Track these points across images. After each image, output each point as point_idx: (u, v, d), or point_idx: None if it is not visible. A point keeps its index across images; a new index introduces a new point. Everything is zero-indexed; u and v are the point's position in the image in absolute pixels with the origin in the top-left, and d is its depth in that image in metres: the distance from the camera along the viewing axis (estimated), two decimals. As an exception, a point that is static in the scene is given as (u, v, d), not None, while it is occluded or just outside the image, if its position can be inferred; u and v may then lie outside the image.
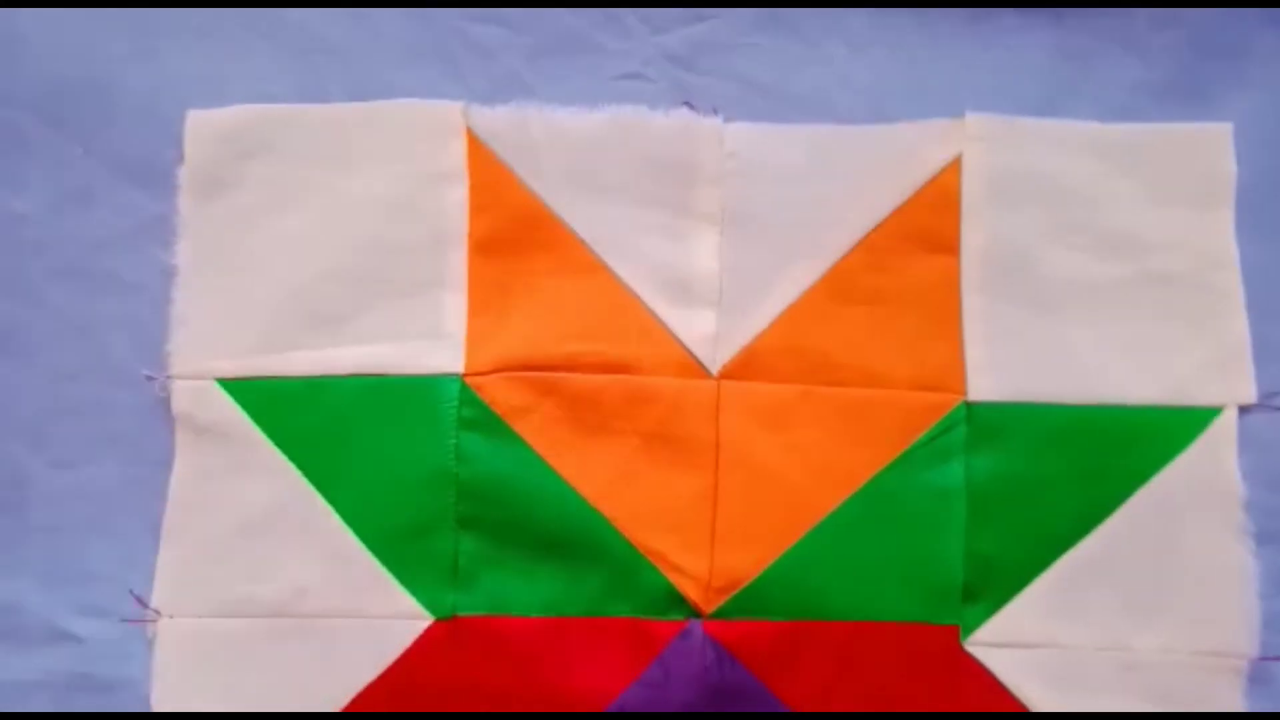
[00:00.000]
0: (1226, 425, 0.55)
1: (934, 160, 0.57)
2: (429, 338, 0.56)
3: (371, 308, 0.56)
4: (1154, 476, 0.55)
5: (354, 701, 0.54)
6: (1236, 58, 0.58)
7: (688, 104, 0.57)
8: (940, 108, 0.57)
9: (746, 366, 0.56)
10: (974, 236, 0.57)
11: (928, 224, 0.57)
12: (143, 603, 0.55)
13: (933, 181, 0.57)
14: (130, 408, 0.56)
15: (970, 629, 0.55)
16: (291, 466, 0.55)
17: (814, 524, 0.55)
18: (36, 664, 0.55)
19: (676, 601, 0.55)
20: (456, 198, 0.57)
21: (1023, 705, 0.55)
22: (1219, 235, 0.57)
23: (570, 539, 0.55)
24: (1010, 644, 0.55)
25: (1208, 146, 0.57)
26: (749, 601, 0.55)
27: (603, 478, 0.55)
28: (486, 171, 0.56)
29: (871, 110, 0.58)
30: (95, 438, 0.56)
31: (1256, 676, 0.54)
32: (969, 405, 0.56)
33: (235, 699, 0.54)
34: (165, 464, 0.56)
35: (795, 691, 0.55)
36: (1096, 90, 0.58)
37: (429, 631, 0.55)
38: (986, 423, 0.56)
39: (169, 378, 0.55)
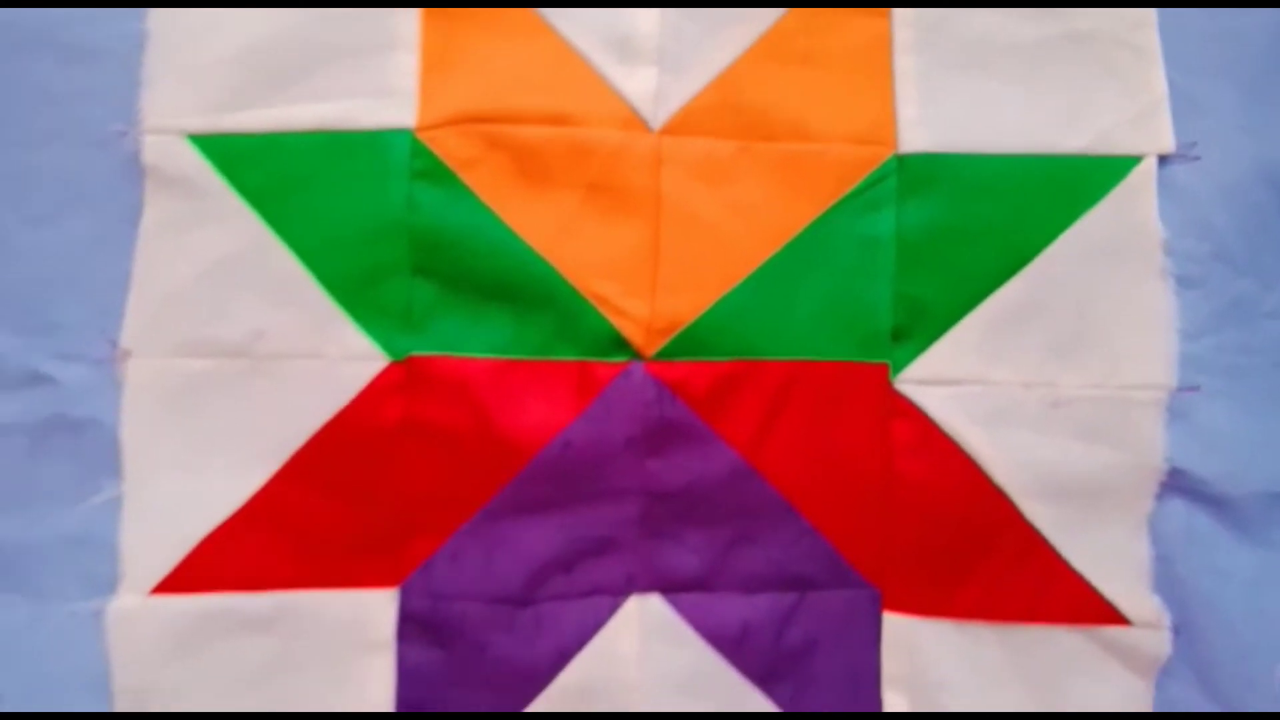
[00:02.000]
0: (1146, 173, 0.58)
1: (866, -77, 0.60)
2: (382, 95, 0.58)
3: (328, 68, 0.58)
4: (1078, 221, 0.58)
5: (313, 439, 0.57)
6: None
7: None
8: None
9: (686, 123, 0.59)
10: (905, -3, 0.60)
11: (860, -15, 0.60)
12: (114, 343, 0.57)
13: (864, -56, 0.60)
14: (100, 170, 0.58)
15: (900, 367, 0.58)
16: (254, 215, 0.58)
17: (750, 271, 0.58)
18: (13, 406, 0.57)
19: (619, 344, 0.58)
20: (409, -37, 0.59)
21: (952, 440, 0.57)
22: (1139, -5, 0.59)
23: (518, 285, 0.58)
24: (938, 381, 0.58)
25: (1126, -92, 0.60)
26: (688, 343, 0.57)
27: (548, 227, 0.58)
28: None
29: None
30: (68, 197, 0.58)
31: (1176, 410, 0.57)
32: (900, 158, 0.58)
33: (198, 435, 0.57)
34: (134, 221, 0.58)
35: (732, 426, 0.57)
36: None
37: (385, 372, 0.57)
38: (916, 173, 0.58)
39: (142, 133, 0.58)
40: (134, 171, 0.58)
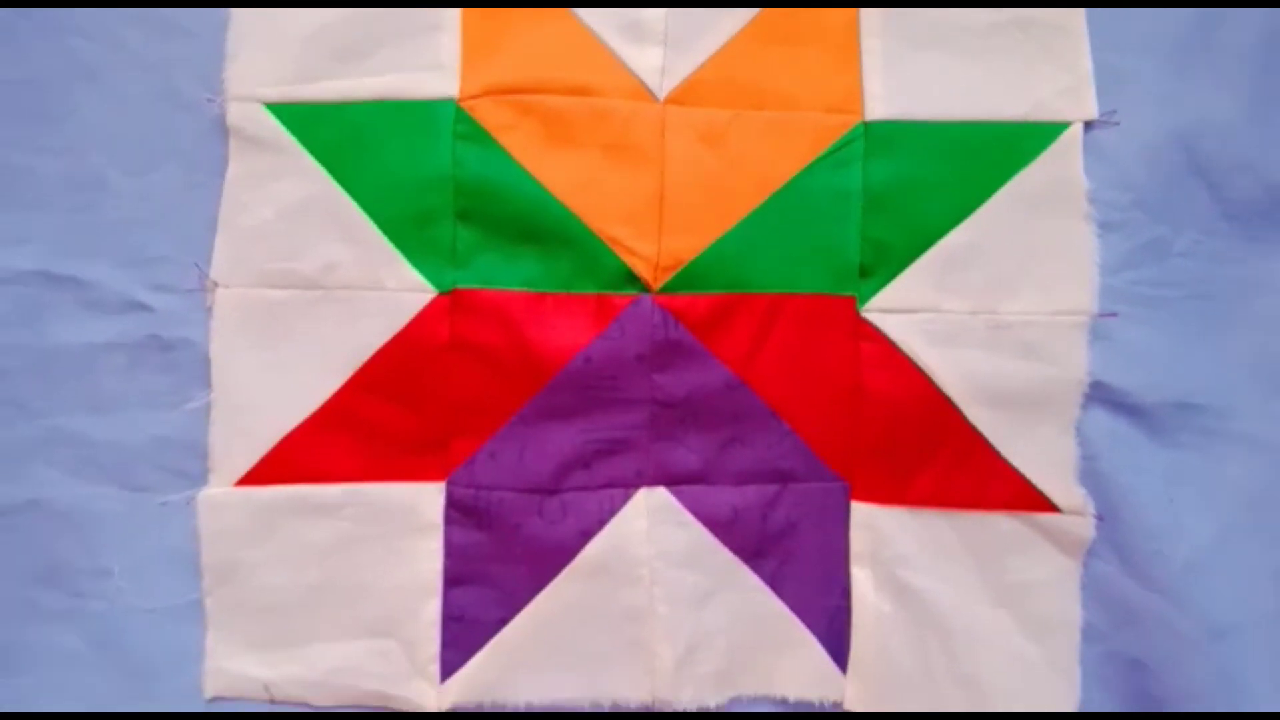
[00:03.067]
0: (1074, 135, 0.68)
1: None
2: (430, 70, 0.69)
3: (384, 47, 0.69)
4: (1015, 176, 0.68)
5: (374, 356, 0.67)
6: None
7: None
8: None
9: (688, 93, 0.70)
10: (871, -10, 0.71)
11: (833, -19, 0.71)
12: (204, 276, 0.68)
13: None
14: (190, 128, 0.69)
15: (866, 298, 0.68)
16: (323, 170, 0.68)
17: (741, 218, 0.68)
18: (114, 328, 0.67)
19: (631, 279, 0.68)
20: (452, -37, 0.70)
21: (910, 358, 0.68)
22: (1069, -12, 0.70)
23: (546, 229, 0.68)
24: (898, 310, 0.68)
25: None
26: (689, 278, 0.68)
27: (571, 180, 0.68)
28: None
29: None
30: (163, 152, 0.69)
31: (1098, 333, 0.67)
32: (866, 124, 0.69)
33: (277, 353, 0.67)
34: (219, 173, 0.68)
35: (726, 347, 0.68)
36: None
37: (434, 301, 0.68)
38: (880, 137, 0.69)
39: (225, 100, 0.69)
40: (220, 132, 0.69)
